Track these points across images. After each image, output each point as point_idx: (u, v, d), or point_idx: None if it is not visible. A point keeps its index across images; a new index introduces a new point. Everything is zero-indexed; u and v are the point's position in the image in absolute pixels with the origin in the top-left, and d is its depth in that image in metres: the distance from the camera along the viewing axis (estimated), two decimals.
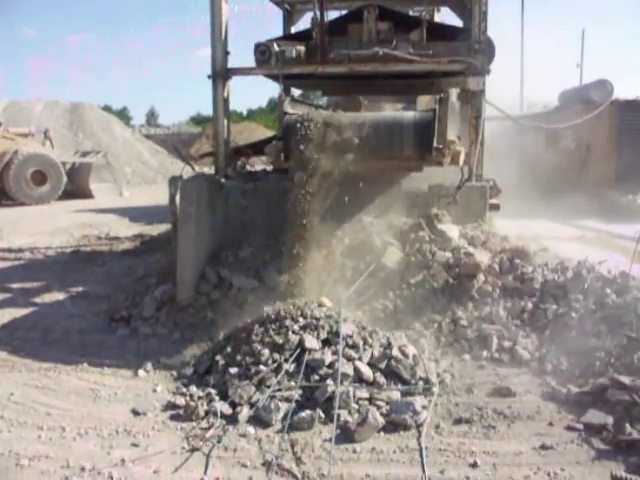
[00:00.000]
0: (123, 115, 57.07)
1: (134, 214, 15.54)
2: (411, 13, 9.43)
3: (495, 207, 7.15)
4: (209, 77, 7.51)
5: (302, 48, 7.10)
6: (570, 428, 4.05)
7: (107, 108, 44.60)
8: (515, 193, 9.78)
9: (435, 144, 6.28)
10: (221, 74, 7.49)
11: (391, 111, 10.98)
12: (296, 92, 10.53)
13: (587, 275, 5.83)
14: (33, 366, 5.31)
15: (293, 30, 9.78)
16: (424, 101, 10.85)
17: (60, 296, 7.57)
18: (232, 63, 7.59)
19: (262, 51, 7.03)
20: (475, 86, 6.88)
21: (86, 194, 19.81)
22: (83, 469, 3.64)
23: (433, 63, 6.96)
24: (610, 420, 4.01)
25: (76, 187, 19.85)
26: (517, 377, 4.92)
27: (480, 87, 6.88)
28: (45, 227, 13.50)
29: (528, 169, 13.62)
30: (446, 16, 10.80)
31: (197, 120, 56.24)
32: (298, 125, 6.19)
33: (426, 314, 5.73)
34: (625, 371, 4.51)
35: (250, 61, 7.30)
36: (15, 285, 8.14)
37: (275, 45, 6.99)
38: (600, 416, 4.09)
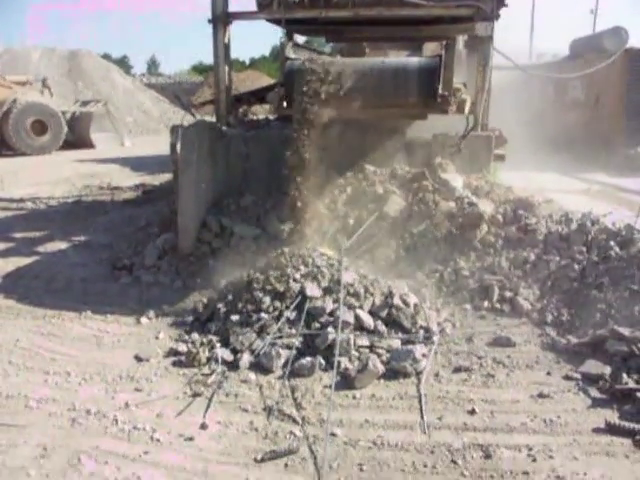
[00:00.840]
0: (123, 64, 56.05)
1: (136, 164, 15.46)
2: None
3: (500, 157, 7.07)
4: (209, 21, 7.32)
5: None
6: (568, 377, 4.12)
7: (106, 56, 43.68)
8: (521, 145, 9.66)
9: (440, 91, 6.15)
10: (222, 18, 7.29)
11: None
12: (300, 39, 10.28)
13: (591, 227, 5.80)
14: (38, 313, 5.38)
15: None
16: (430, 48, 10.60)
17: (63, 245, 7.60)
18: (233, 7, 7.38)
19: None
20: (483, 32, 6.70)
21: (87, 144, 19.64)
22: (89, 412, 3.74)
23: (440, 7, 6.75)
24: (607, 370, 4.07)
25: (77, 137, 19.66)
26: (517, 327, 4.97)
27: (488, 33, 6.70)
28: (47, 177, 13.44)
29: (535, 120, 13.40)
30: None
31: (199, 69, 55.15)
32: (300, 70, 6.06)
33: (428, 264, 5.74)
34: (625, 323, 4.55)
35: (252, 5, 7.11)
36: (18, 235, 8.16)
37: None
38: (598, 366, 4.15)
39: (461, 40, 8.66)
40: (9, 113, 17.49)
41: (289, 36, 7.92)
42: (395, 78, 6.23)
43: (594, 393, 3.90)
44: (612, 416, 3.61)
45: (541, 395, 3.89)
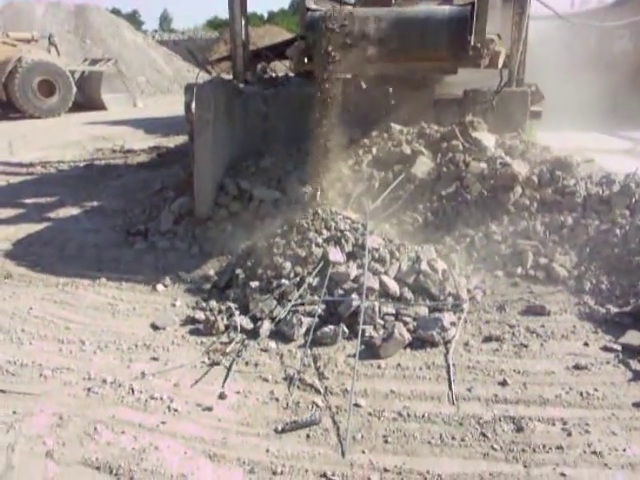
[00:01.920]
0: (134, 20, 55.90)
1: (149, 125, 15.48)
2: None
3: (536, 115, 6.92)
4: None
5: None
6: (607, 349, 4.08)
7: (116, 12, 43.47)
8: (560, 101, 9.42)
9: (472, 43, 6.00)
10: None
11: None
12: None
13: (635, 189, 5.66)
14: (50, 281, 5.48)
15: None
16: None
17: (75, 211, 7.69)
18: None
19: None
20: None
21: (98, 105, 19.65)
22: (104, 381, 3.82)
23: None
24: None
25: (87, 98, 19.67)
26: (552, 295, 4.93)
27: None
28: (56, 140, 13.53)
29: (576, 75, 13.03)
30: None
31: (214, 24, 54.74)
32: (322, 22, 5.95)
33: (458, 228, 5.69)
34: None
35: None
36: (28, 201, 8.28)
37: None
38: None
39: None
40: (14, 73, 17.45)
41: None
42: (423, 28, 6.07)
43: (635, 365, 3.86)
44: None
45: (577, 367, 3.87)
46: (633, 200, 5.57)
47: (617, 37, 15.10)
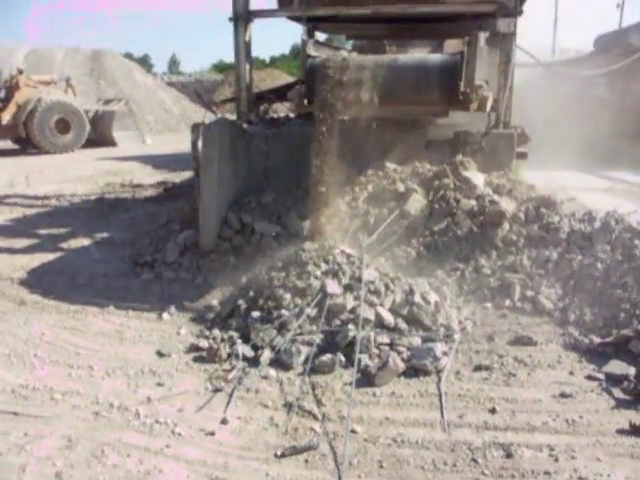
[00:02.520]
0: (145, 63, 56.59)
1: (157, 161, 15.61)
2: None
3: (522, 155, 7.00)
4: (230, 20, 7.35)
5: None
6: (591, 377, 4.07)
7: (128, 55, 44.11)
8: (544, 143, 9.54)
9: (462, 88, 6.11)
10: (243, 16, 7.32)
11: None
12: (321, 37, 10.29)
13: (615, 226, 5.72)
14: (62, 308, 5.48)
15: None
16: (451, 45, 10.52)
17: (86, 242, 7.72)
18: (254, 5, 7.41)
19: None
20: (505, 28, 6.63)
21: (109, 142, 19.88)
22: (112, 405, 3.80)
23: (462, 4, 6.71)
24: (632, 370, 4.02)
25: (99, 135, 19.92)
26: (539, 326, 4.93)
27: (511, 29, 6.63)
28: (70, 175, 13.64)
29: (558, 118, 13.21)
30: None
31: (219, 67, 55.46)
32: (322, 68, 6.06)
33: (449, 262, 5.72)
34: None
35: (272, 3, 7.13)
36: (42, 231, 8.31)
37: None
38: (622, 366, 4.10)
39: (482, 36, 8.57)
40: (34, 112, 17.79)
41: (310, 34, 7.93)
42: (416, 75, 6.21)
43: (618, 394, 3.85)
44: (637, 417, 3.56)
45: (563, 395, 3.85)
46: (613, 236, 5.61)
47: (595, 84, 15.35)
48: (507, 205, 5.93)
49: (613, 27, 20.46)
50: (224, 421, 3.62)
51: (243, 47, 7.45)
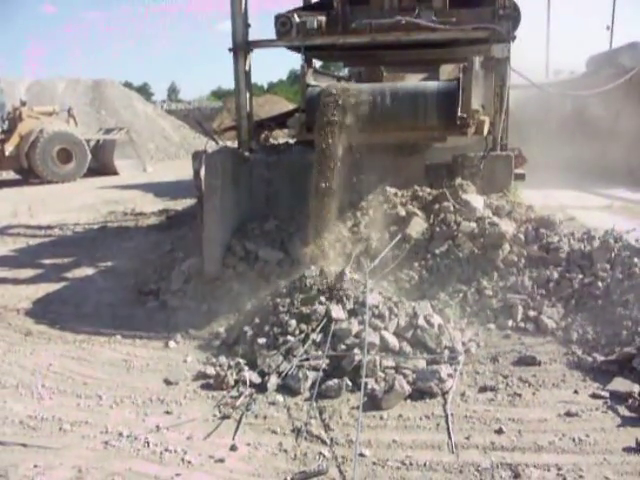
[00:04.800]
0: (144, 91, 57.23)
1: (158, 189, 15.71)
2: None
3: (520, 177, 7.08)
4: (230, 50, 7.49)
5: (323, 18, 7.00)
6: (595, 396, 4.09)
7: (128, 85, 44.65)
8: (541, 163, 9.64)
9: (459, 113, 6.23)
10: (242, 47, 7.45)
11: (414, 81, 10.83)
12: (318, 63, 10.45)
13: (614, 244, 5.77)
14: (68, 338, 5.52)
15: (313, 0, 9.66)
16: (447, 70, 10.67)
17: (90, 271, 7.77)
18: (253, 36, 7.56)
19: (283, 22, 6.95)
20: (500, 54, 6.76)
21: (111, 170, 20.05)
22: (121, 434, 3.82)
23: (457, 31, 6.83)
24: (636, 388, 4.04)
25: (101, 164, 20.11)
26: (542, 346, 4.96)
27: (505, 54, 6.75)
28: (72, 204, 13.74)
29: (554, 138, 13.36)
30: None
31: (218, 94, 56.07)
32: (321, 98, 6.18)
33: (451, 284, 5.76)
34: None
35: (271, 33, 7.27)
36: (46, 261, 8.37)
37: (296, 16, 6.91)
38: (626, 384, 4.13)
39: (477, 61, 8.72)
40: (36, 142, 17.98)
41: (308, 62, 8.08)
42: (414, 102, 6.33)
43: (623, 411, 3.87)
44: None
45: (569, 414, 3.87)
46: (613, 254, 5.66)
47: (589, 104, 15.54)
48: (507, 226, 6.01)
49: (604, 48, 20.72)
50: (233, 448, 3.64)
51: (243, 77, 7.56)
